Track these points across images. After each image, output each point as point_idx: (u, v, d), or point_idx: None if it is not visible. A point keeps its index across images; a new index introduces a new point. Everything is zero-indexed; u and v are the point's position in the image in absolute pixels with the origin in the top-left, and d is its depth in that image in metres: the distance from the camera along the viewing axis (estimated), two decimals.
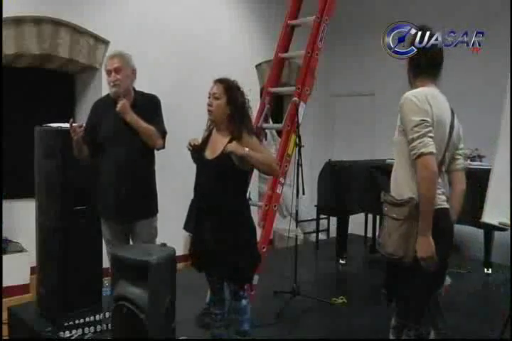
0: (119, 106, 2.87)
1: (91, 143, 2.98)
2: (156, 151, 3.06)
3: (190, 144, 2.70)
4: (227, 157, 2.57)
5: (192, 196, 2.77)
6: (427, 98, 2.15)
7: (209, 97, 2.67)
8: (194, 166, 2.81)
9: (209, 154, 2.68)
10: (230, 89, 2.65)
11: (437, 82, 2.28)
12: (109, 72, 2.95)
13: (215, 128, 2.74)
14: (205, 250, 2.67)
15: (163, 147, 3.03)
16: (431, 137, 2.10)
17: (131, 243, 3.07)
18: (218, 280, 2.77)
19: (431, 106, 2.14)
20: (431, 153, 2.08)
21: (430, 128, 2.11)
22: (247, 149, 2.54)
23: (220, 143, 2.65)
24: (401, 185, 2.22)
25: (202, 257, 2.72)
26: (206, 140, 2.75)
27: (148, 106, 3.01)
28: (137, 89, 3.06)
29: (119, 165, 2.94)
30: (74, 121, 2.85)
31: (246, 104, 2.70)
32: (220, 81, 2.67)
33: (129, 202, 2.94)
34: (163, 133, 3.00)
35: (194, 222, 2.75)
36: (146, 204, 3.04)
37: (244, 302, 2.72)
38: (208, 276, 2.80)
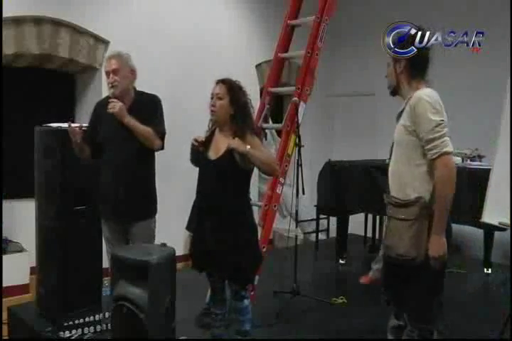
0: (110, 107, 2.85)
1: (91, 144, 2.99)
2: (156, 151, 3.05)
3: (196, 140, 2.69)
4: (230, 157, 2.58)
5: (192, 196, 2.77)
6: (437, 99, 2.18)
7: (211, 98, 2.67)
8: (195, 167, 2.81)
9: (212, 154, 2.68)
10: (232, 89, 2.65)
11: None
12: (107, 74, 2.95)
13: (218, 128, 2.74)
14: (205, 250, 2.67)
15: (162, 148, 3.02)
16: (449, 137, 2.14)
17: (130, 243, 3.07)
18: (219, 280, 2.77)
19: (441, 106, 2.17)
20: (451, 153, 2.13)
21: (447, 129, 2.14)
22: (248, 147, 2.54)
23: (222, 144, 2.65)
24: (406, 185, 2.22)
25: (202, 257, 2.72)
26: (209, 140, 2.74)
27: (148, 106, 2.99)
28: (137, 88, 3.06)
29: (117, 165, 2.95)
30: (73, 121, 2.85)
31: (248, 104, 2.71)
32: (223, 81, 2.67)
33: (127, 203, 2.94)
34: (162, 134, 2.98)
35: (195, 221, 2.75)
36: (144, 205, 3.03)
37: (245, 302, 2.72)
38: (208, 276, 2.80)
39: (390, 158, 2.38)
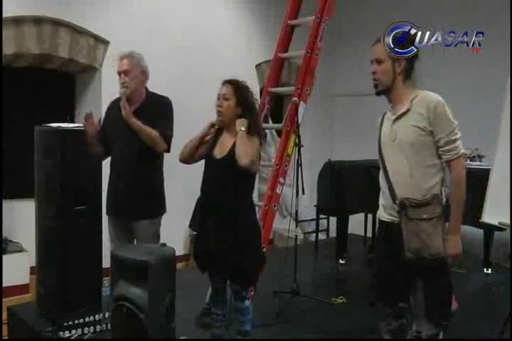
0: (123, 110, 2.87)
1: (104, 142, 3.02)
2: None
3: (213, 125, 2.69)
4: (235, 156, 2.58)
5: (193, 196, 2.77)
6: None
7: (218, 98, 2.66)
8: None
9: (217, 153, 2.69)
10: (239, 90, 2.65)
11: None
12: (119, 74, 2.96)
13: (225, 128, 2.73)
14: (206, 250, 2.67)
15: (168, 151, 3.00)
16: None
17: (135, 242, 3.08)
18: (220, 280, 2.77)
19: None
20: None
21: None
22: (242, 128, 2.57)
23: (228, 143, 2.66)
24: (415, 186, 2.21)
25: (203, 257, 2.72)
26: (215, 139, 2.74)
27: (156, 108, 2.99)
28: None
29: (120, 164, 2.99)
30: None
31: (256, 105, 2.71)
32: (230, 82, 2.67)
33: (126, 202, 2.97)
34: (168, 137, 2.95)
35: (199, 221, 2.75)
36: (146, 205, 3.03)
37: (246, 302, 2.73)
38: (210, 276, 2.80)
39: (382, 159, 2.37)
